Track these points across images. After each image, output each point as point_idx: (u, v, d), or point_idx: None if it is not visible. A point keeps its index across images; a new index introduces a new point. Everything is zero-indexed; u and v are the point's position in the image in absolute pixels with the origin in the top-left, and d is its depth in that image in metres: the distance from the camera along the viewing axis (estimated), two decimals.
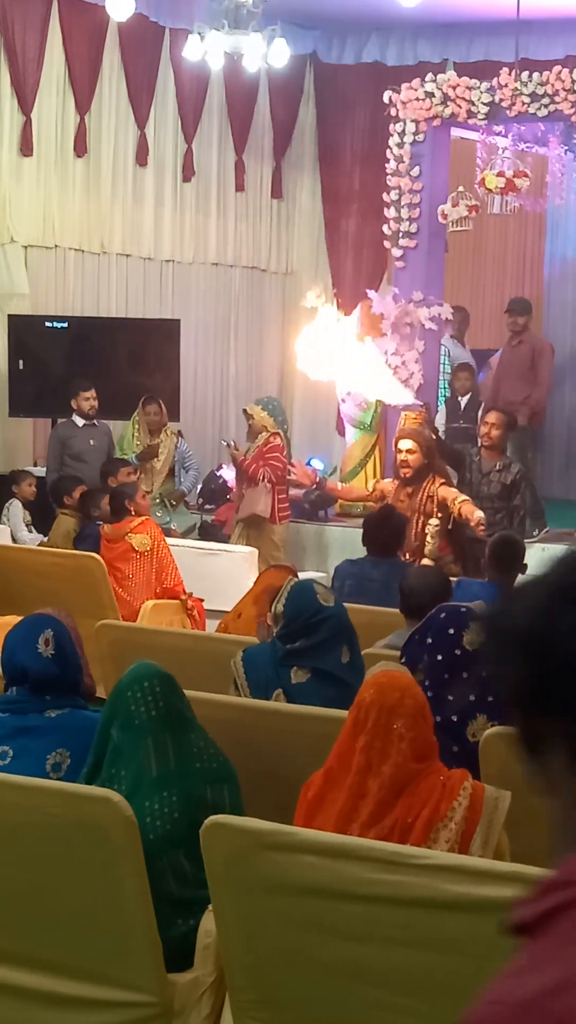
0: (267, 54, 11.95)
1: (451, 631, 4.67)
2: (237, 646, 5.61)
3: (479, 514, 8.60)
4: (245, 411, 11.12)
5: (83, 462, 10.99)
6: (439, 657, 4.64)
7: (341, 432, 15.12)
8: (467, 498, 8.79)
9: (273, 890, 3.37)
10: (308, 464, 13.85)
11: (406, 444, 8.76)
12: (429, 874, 3.16)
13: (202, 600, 8.90)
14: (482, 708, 4.54)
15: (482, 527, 8.54)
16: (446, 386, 12.94)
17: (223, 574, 9.70)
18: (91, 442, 11.19)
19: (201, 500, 12.48)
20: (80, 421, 11.22)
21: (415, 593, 5.57)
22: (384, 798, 3.58)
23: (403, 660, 4.78)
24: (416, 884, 3.16)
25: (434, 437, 9.13)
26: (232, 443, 10.46)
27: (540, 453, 13.45)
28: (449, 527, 8.83)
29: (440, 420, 12.08)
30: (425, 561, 8.54)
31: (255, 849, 3.36)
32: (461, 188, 11.51)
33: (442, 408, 12.41)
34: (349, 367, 9.68)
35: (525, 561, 7.64)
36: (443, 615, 4.77)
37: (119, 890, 3.61)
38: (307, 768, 4.49)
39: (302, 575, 7.31)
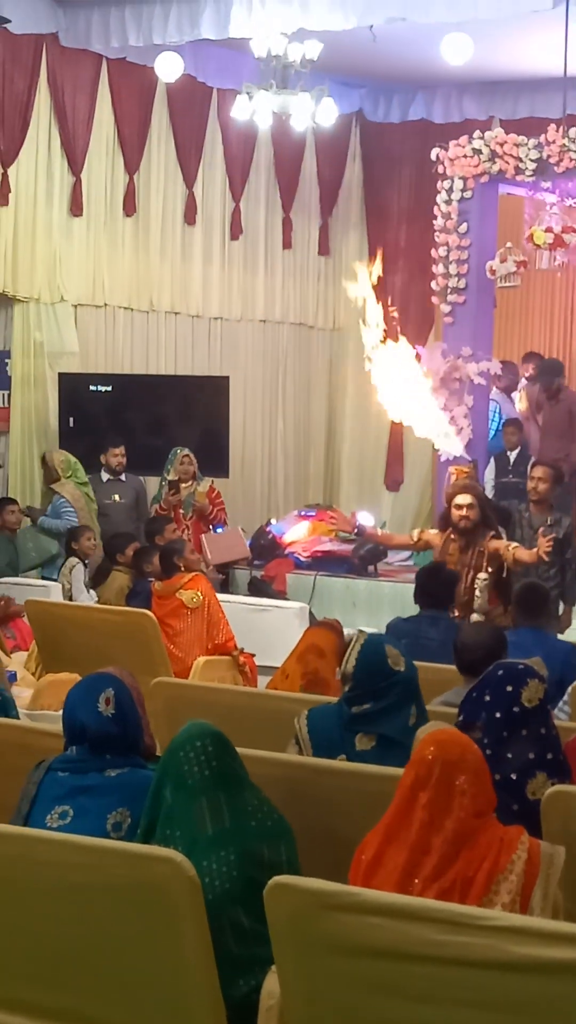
0: (315, 113, 12.03)
1: (509, 688, 4.62)
2: (294, 704, 5.61)
3: (540, 551, 8.57)
4: (188, 456, 11.21)
5: (104, 515, 11.22)
6: (497, 715, 4.60)
7: (390, 487, 15.17)
8: (517, 544, 8.77)
9: (337, 951, 3.34)
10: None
11: (464, 499, 8.74)
12: (495, 935, 3.12)
13: (253, 655, 8.89)
14: (542, 766, 4.49)
15: (546, 551, 8.50)
16: (499, 439, 12.94)
17: (273, 630, 9.70)
18: (116, 497, 11.35)
19: (251, 556, 12.48)
20: (105, 476, 11.40)
21: (468, 649, 5.55)
22: (447, 852, 3.60)
23: (461, 718, 4.75)
24: (482, 945, 3.13)
25: (484, 492, 9.13)
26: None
27: None
28: (502, 577, 8.79)
29: (490, 475, 12.07)
30: (475, 616, 8.51)
31: (319, 909, 3.34)
32: (509, 244, 11.54)
33: (491, 464, 12.39)
34: (418, 413, 9.68)
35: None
36: (500, 672, 4.73)
37: (181, 951, 3.59)
38: (363, 825, 4.49)
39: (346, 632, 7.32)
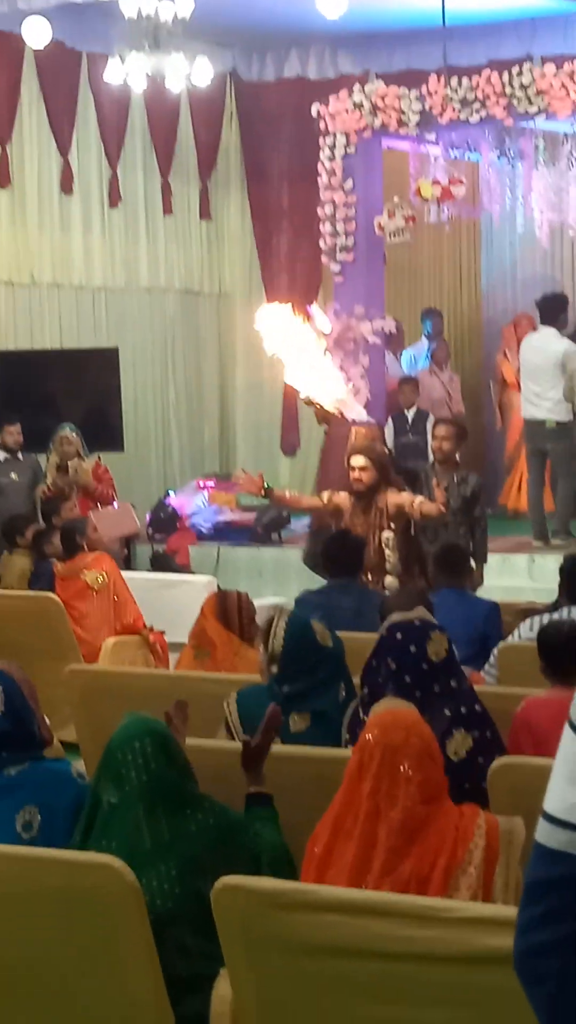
0: (190, 74, 11.77)
1: (412, 648, 4.45)
2: (218, 685, 5.41)
3: (439, 503, 8.41)
4: (66, 436, 10.96)
5: (2, 495, 10.85)
6: (407, 678, 4.42)
7: (286, 451, 14.99)
8: (423, 498, 8.57)
9: (293, 951, 3.15)
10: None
11: (358, 460, 8.51)
12: (462, 927, 2.95)
13: (163, 633, 8.67)
14: (458, 722, 4.34)
15: (443, 502, 8.36)
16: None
17: (181, 605, 9.44)
18: (12, 476, 11.00)
19: (151, 530, 12.24)
20: (1, 455, 11.03)
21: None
22: (395, 845, 3.37)
23: (365, 690, 4.58)
24: (449, 939, 2.96)
25: (387, 453, 8.94)
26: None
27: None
28: (410, 535, 8.61)
29: (388, 435, 11.91)
30: (388, 578, 8.33)
31: (271, 909, 3.15)
32: (396, 199, 11.36)
33: (388, 423, 12.24)
34: (315, 376, 9.45)
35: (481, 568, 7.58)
36: (398, 634, 4.55)
37: (125, 964, 3.37)
38: (308, 814, 4.29)
39: (259, 602, 7.13)
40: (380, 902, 3.07)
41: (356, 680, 5.24)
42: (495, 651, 6.24)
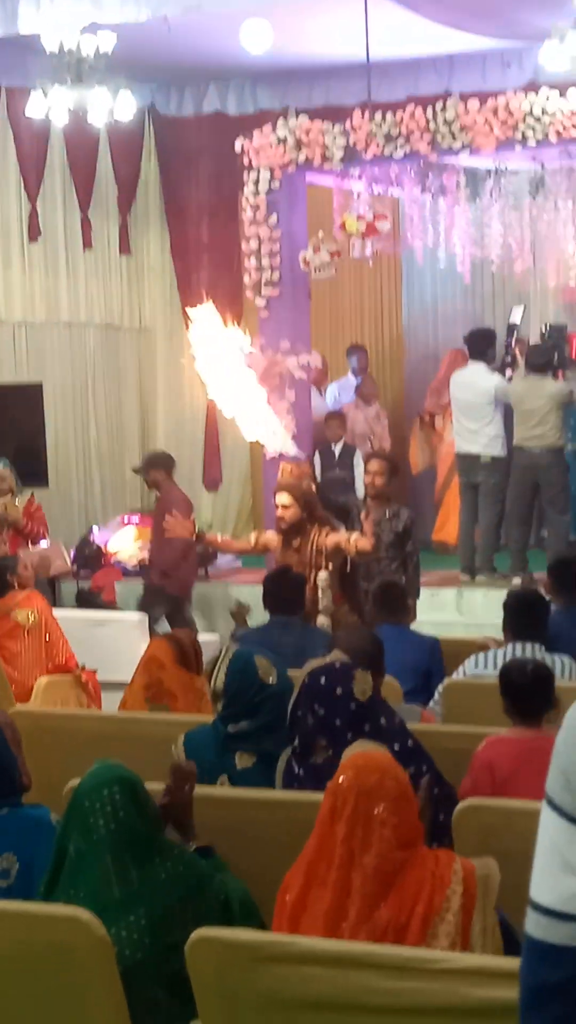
0: (112, 108, 11.72)
1: (339, 690, 4.40)
2: (164, 727, 5.33)
3: (368, 538, 8.41)
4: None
5: None
6: (337, 722, 4.37)
7: (208, 487, 14.91)
8: (357, 534, 8.56)
9: (271, 1006, 3.08)
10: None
11: (282, 498, 8.49)
12: (446, 979, 2.90)
13: (95, 672, 8.55)
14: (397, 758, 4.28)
15: (373, 534, 8.36)
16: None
17: (112, 643, 9.38)
18: None
19: (76, 566, 12.10)
20: None
21: (350, 658, 5.31)
22: (371, 892, 3.28)
23: (296, 741, 4.51)
24: (433, 991, 2.90)
25: (314, 490, 8.89)
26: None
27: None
28: (346, 572, 8.59)
29: (315, 470, 11.88)
30: (320, 618, 8.28)
31: (248, 962, 3.07)
32: (321, 234, 11.34)
33: (316, 457, 12.22)
34: (249, 410, 9.41)
35: (415, 603, 7.58)
36: (322, 678, 4.48)
37: (94, 1020, 3.28)
38: (266, 860, 4.21)
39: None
40: (362, 953, 3.00)
41: None
42: (440, 688, 6.20)
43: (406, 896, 3.30)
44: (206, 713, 5.66)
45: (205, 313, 9.46)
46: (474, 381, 11.28)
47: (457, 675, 6.41)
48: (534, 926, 1.81)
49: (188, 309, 9.67)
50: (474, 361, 11.42)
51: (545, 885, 1.81)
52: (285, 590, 7.33)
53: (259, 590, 10.71)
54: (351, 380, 13.87)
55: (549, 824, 1.82)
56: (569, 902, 1.78)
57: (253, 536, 8.99)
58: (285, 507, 8.42)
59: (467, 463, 11.44)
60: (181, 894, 3.54)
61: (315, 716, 4.38)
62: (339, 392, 13.84)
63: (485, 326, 12.58)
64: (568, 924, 1.78)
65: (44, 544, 10.81)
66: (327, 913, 3.29)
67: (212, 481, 15.00)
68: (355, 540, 8.39)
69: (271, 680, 4.81)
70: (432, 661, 6.75)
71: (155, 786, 4.45)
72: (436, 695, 6.23)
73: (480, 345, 11.56)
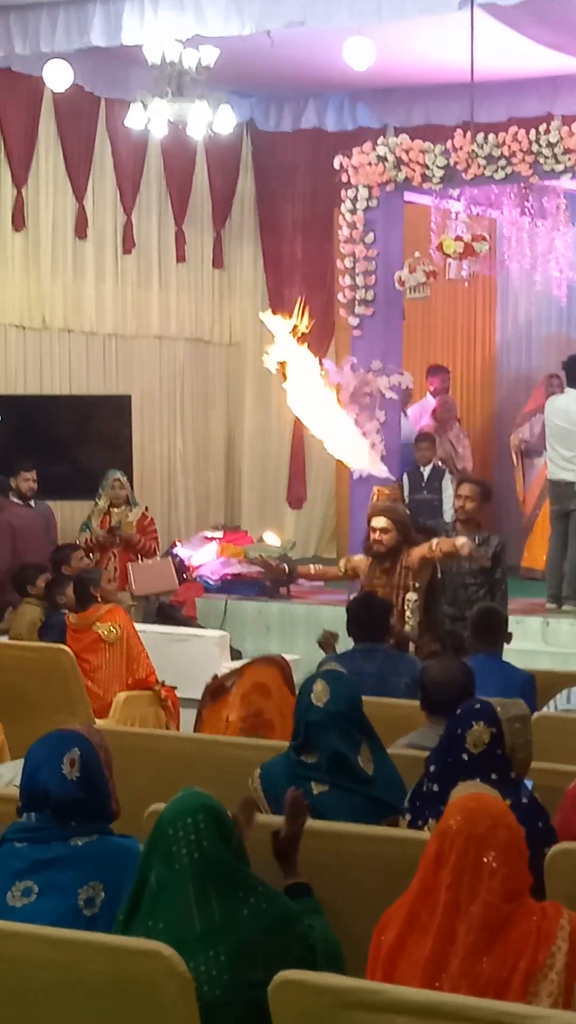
0: (212, 122, 11.68)
1: (458, 731, 4.27)
2: (243, 750, 5.22)
3: (461, 539, 8.28)
4: (119, 479, 10.77)
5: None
6: (449, 760, 4.25)
7: (292, 505, 14.83)
8: (437, 539, 8.44)
9: None
10: (262, 540, 13.57)
11: (379, 522, 8.39)
12: None
13: (175, 688, 8.48)
14: None
15: (468, 548, 8.22)
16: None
17: (192, 660, 9.31)
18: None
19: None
20: (16, 502, 10.83)
21: (440, 688, 5.19)
22: (475, 944, 3.09)
23: (431, 769, 4.38)
24: None
25: (408, 513, 8.79)
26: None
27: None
28: (432, 594, 8.47)
29: (404, 492, 11.75)
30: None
31: (336, 1008, 2.95)
32: (417, 254, 11.23)
33: (404, 479, 12.09)
34: (334, 433, 9.31)
35: (510, 631, 7.41)
36: (458, 712, 4.38)
37: None
38: (344, 892, 4.10)
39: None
40: (454, 1006, 2.87)
41: (393, 751, 5.07)
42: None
43: (510, 950, 3.12)
44: None
45: (279, 324, 9.30)
46: (570, 408, 11.10)
47: (548, 709, 6.26)
48: None
49: (262, 317, 9.49)
50: (571, 387, 11.23)
51: None
52: (370, 615, 7.20)
53: (340, 611, 10.72)
54: (430, 401, 13.70)
55: None
56: None
57: (342, 563, 8.89)
58: (384, 531, 8.33)
59: (560, 490, 11.24)
60: (263, 931, 3.41)
61: (439, 747, 4.27)
62: (417, 413, 13.64)
63: None
64: None
65: (152, 559, 10.72)
66: (427, 962, 3.13)
67: (296, 499, 14.92)
68: (437, 544, 8.28)
69: (321, 704, 4.64)
70: (523, 697, 6.58)
71: (269, 819, 4.32)
72: None
73: None
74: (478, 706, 4.31)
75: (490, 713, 4.26)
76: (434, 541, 8.36)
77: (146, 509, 11.14)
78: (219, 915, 3.38)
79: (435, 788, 4.27)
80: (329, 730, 4.58)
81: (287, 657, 9.49)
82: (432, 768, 4.32)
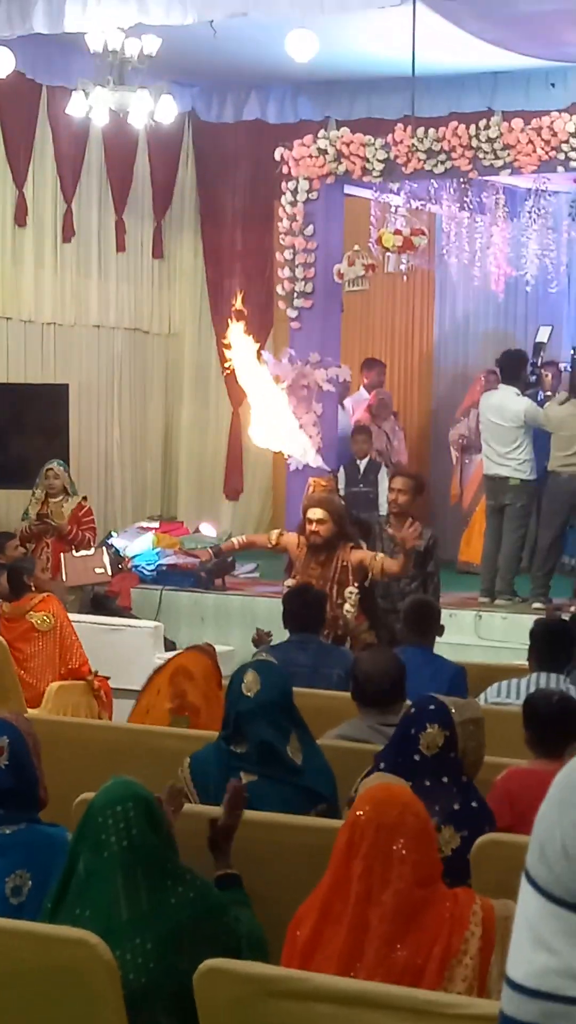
0: (153, 111, 11.65)
1: (412, 731, 4.26)
2: (180, 742, 5.22)
3: (401, 560, 8.30)
4: (52, 469, 10.73)
5: None
6: (399, 760, 4.25)
7: (229, 496, 14.82)
8: (382, 554, 8.47)
9: None
10: (198, 531, 13.56)
11: (316, 513, 8.39)
12: None
13: (108, 679, 8.46)
14: (448, 819, 4.12)
15: (412, 545, 8.23)
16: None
17: (127, 650, 9.29)
18: None
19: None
20: None
21: (371, 680, 5.20)
22: (388, 932, 3.14)
23: (381, 766, 4.39)
24: None
25: (344, 506, 8.80)
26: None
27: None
28: (366, 589, 8.49)
29: (340, 484, 11.77)
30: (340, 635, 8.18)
31: (259, 996, 2.97)
32: (357, 247, 11.26)
33: (340, 472, 12.11)
34: (269, 419, 9.28)
35: (442, 623, 7.44)
36: (411, 711, 4.37)
37: None
38: (273, 881, 4.11)
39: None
40: (377, 994, 2.89)
41: (324, 742, 5.08)
42: None
43: (424, 937, 3.17)
44: None
45: (238, 333, 9.30)
46: (504, 404, 11.14)
47: (479, 702, 6.29)
48: (507, 1002, 1.74)
49: (227, 330, 9.49)
50: (505, 384, 11.27)
51: (518, 960, 1.73)
52: (305, 607, 7.21)
53: (275, 603, 10.72)
54: (365, 395, 13.70)
55: (525, 897, 1.74)
56: (539, 979, 1.69)
57: (274, 534, 8.86)
58: (320, 522, 8.33)
59: (495, 485, 11.30)
60: (189, 920, 3.42)
61: (391, 745, 4.28)
62: (352, 406, 13.64)
63: (517, 348, 12.44)
64: (537, 1002, 1.70)
65: (87, 551, 10.67)
66: (342, 952, 3.16)
67: (233, 490, 14.92)
68: (380, 559, 8.30)
69: (251, 693, 4.62)
70: (454, 690, 6.61)
71: (198, 808, 4.31)
72: None
73: (512, 368, 11.40)
74: (432, 707, 4.28)
75: (445, 715, 4.25)
76: (378, 556, 8.37)
77: (83, 499, 11.09)
78: (147, 903, 3.38)
79: None
80: (259, 720, 4.58)
81: (221, 648, 9.56)
82: (382, 766, 4.31)
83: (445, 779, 4.17)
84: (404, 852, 3.22)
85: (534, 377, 12.59)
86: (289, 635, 7.16)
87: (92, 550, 10.82)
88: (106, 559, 10.91)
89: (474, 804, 4.22)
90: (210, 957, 3.15)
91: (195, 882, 3.51)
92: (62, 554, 10.34)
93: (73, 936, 3.18)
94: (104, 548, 11.28)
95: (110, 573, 10.99)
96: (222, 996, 3.00)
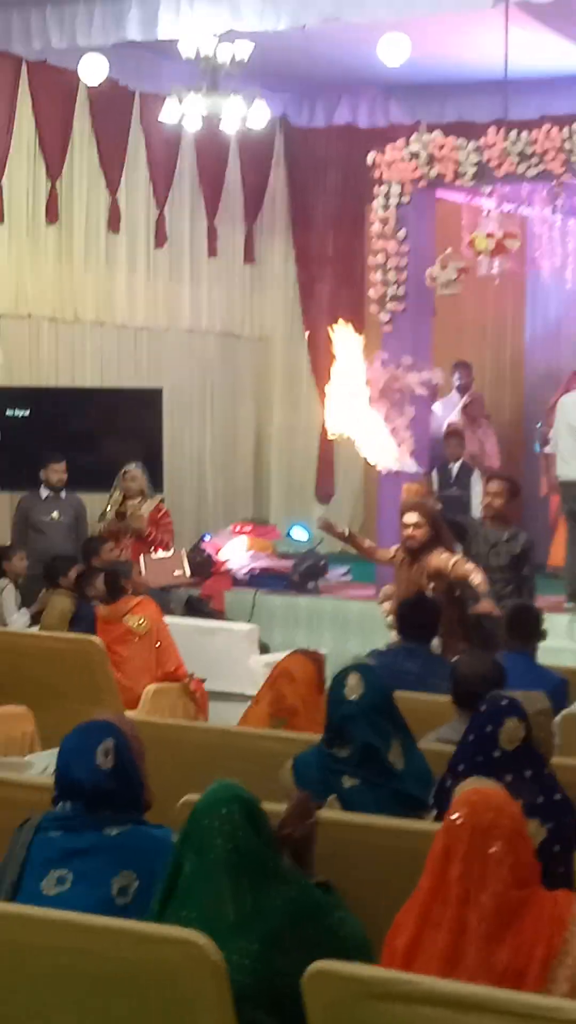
0: (246, 116, 11.72)
1: (488, 728, 4.27)
2: (279, 744, 5.26)
3: (479, 576, 8.26)
4: (127, 472, 10.78)
5: (41, 533, 10.72)
6: (479, 759, 4.26)
7: (321, 499, 14.86)
8: (461, 557, 8.44)
9: None
10: (290, 532, 13.61)
11: (411, 518, 8.41)
12: None
13: (203, 681, 8.53)
14: (532, 812, 4.11)
15: (483, 586, 8.21)
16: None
17: (221, 653, 9.35)
18: (54, 515, 10.82)
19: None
20: (44, 493, 10.90)
21: (467, 681, 5.22)
22: (488, 933, 3.16)
23: (460, 768, 4.40)
24: None
25: (439, 510, 8.81)
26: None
27: None
28: (455, 596, 8.46)
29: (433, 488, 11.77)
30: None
31: (366, 999, 2.99)
32: (449, 250, 11.24)
33: (433, 475, 12.10)
34: (364, 428, 9.29)
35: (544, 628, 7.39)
36: (483, 709, 4.39)
37: None
38: (374, 885, 4.12)
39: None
40: (485, 998, 2.91)
41: (424, 746, 5.09)
42: (558, 720, 6.06)
43: (524, 938, 3.19)
44: None
45: (345, 332, 9.30)
46: None
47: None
48: None
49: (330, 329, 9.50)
50: None
51: None
52: (418, 616, 7.24)
53: (368, 606, 10.75)
54: (454, 397, 13.66)
55: None
56: None
57: (393, 549, 8.86)
58: (416, 526, 8.34)
59: (569, 489, 11.10)
60: (294, 921, 3.46)
61: (466, 744, 4.29)
62: (442, 410, 13.59)
63: None
64: None
65: (166, 552, 10.73)
66: (442, 955, 3.19)
67: (324, 494, 14.96)
68: (455, 563, 8.28)
69: (354, 696, 4.64)
70: (555, 702, 6.55)
71: (274, 807, 4.37)
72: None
73: None
74: (505, 702, 4.32)
75: (520, 709, 4.28)
76: (453, 560, 8.35)
77: (160, 501, 11.13)
78: (252, 905, 3.42)
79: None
80: (361, 723, 4.60)
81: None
82: (461, 768, 4.33)
83: (528, 772, 4.18)
84: (501, 854, 3.25)
85: None
86: (401, 642, 7.18)
87: (171, 552, 10.87)
88: (185, 561, 10.96)
89: (557, 797, 4.23)
90: (313, 958, 3.18)
91: (298, 883, 3.55)
92: (141, 555, 10.40)
93: (181, 936, 3.22)
94: (182, 551, 11.27)
95: (189, 575, 11.03)
96: (329, 998, 3.03)
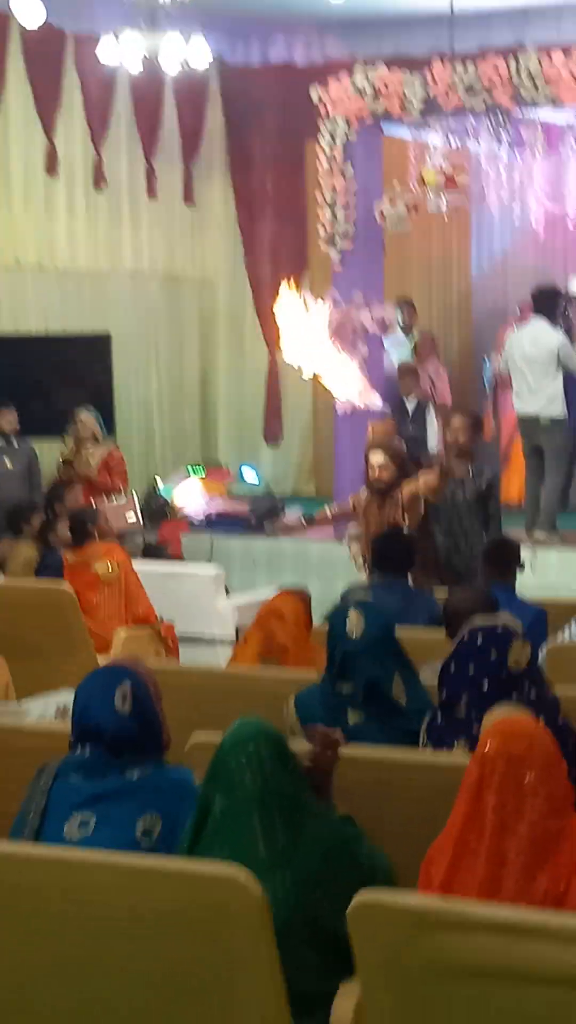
0: (185, 55, 11.57)
1: (493, 654, 4.30)
2: (274, 684, 5.24)
3: (432, 476, 8.23)
4: (78, 417, 10.70)
5: None
6: (484, 685, 4.27)
7: (268, 440, 14.81)
8: (421, 476, 8.40)
9: (437, 974, 2.97)
10: (240, 472, 13.56)
11: (378, 458, 8.34)
12: None
13: (173, 624, 8.48)
14: None
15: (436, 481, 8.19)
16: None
17: (188, 597, 9.30)
18: (6, 462, 10.69)
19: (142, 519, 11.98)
20: None
21: (460, 615, 5.21)
22: (526, 863, 3.16)
23: (443, 696, 4.42)
24: None
25: (404, 449, 8.77)
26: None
27: None
28: (426, 529, 8.46)
29: None
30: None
31: (415, 928, 2.97)
32: (398, 186, 11.17)
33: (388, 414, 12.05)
34: (326, 363, 9.21)
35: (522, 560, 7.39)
36: (480, 638, 4.40)
37: (247, 987, 3.16)
38: (387, 819, 4.12)
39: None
40: (534, 923, 2.90)
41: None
42: (542, 653, 6.07)
43: (562, 866, 3.20)
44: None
45: (289, 296, 9.21)
46: (537, 337, 10.88)
47: (562, 638, 6.30)
48: None
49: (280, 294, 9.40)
50: (537, 317, 11.00)
51: None
52: (394, 550, 7.23)
53: (328, 546, 10.74)
54: (400, 336, 13.56)
55: None
56: None
57: (351, 500, 8.82)
58: (382, 467, 8.28)
59: (528, 425, 10.98)
60: (328, 855, 3.45)
61: (465, 676, 4.29)
62: (389, 348, 13.52)
63: (554, 284, 12.26)
64: None
65: (119, 497, 10.65)
66: (481, 884, 3.19)
67: (272, 435, 14.91)
68: (423, 482, 8.26)
69: (356, 633, 4.64)
70: (533, 633, 6.57)
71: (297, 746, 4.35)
72: (539, 660, 6.08)
73: (548, 302, 11.14)
74: (501, 627, 4.36)
75: (517, 629, 4.33)
76: (420, 480, 8.34)
77: (115, 447, 11.05)
78: (283, 840, 3.41)
79: (471, 716, 4.29)
80: (365, 659, 4.58)
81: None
82: (465, 697, 4.33)
83: (533, 694, 4.23)
84: (535, 784, 3.24)
85: (564, 324, 12.39)
86: (377, 577, 7.17)
87: (124, 498, 10.80)
88: (137, 507, 10.89)
89: (560, 721, 4.25)
90: (348, 891, 3.16)
91: (329, 818, 3.54)
92: (92, 501, 10.30)
93: (221, 873, 3.18)
94: (133, 495, 11.17)
95: (140, 521, 10.95)
96: (376, 928, 3.01)
